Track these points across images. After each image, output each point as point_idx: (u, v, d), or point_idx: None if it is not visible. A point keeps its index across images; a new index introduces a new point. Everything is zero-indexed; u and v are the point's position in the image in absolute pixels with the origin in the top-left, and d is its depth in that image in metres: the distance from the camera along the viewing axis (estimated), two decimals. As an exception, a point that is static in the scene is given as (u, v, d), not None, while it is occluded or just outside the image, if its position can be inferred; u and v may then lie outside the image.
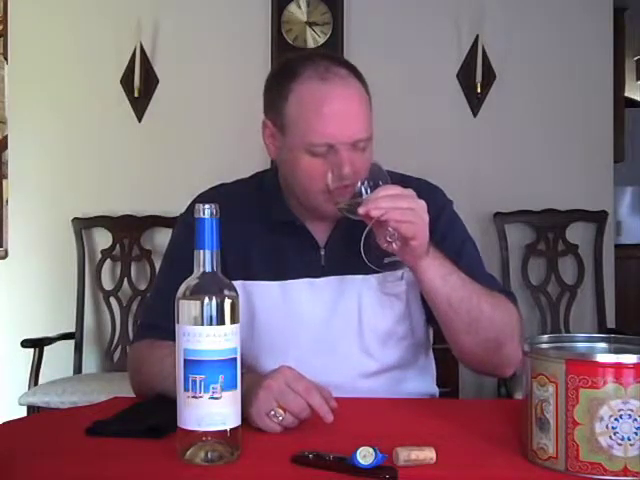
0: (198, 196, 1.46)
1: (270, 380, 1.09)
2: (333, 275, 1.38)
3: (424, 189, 1.46)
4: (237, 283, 1.32)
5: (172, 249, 1.47)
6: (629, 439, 0.86)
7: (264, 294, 1.38)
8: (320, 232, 1.40)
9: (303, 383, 1.09)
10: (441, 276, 1.25)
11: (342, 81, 1.30)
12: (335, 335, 1.37)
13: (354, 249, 1.36)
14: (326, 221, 1.40)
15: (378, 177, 1.24)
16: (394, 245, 1.20)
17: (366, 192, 1.22)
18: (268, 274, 1.38)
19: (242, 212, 1.42)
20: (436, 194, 1.48)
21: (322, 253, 1.39)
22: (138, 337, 1.41)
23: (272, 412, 1.07)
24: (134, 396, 1.34)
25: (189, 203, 1.44)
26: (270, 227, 1.40)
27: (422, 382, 1.47)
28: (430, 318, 1.42)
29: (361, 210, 1.18)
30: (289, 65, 1.34)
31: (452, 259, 1.31)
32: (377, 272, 1.33)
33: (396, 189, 1.21)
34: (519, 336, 1.32)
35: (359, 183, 1.23)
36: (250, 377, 1.12)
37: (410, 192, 1.22)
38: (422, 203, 1.21)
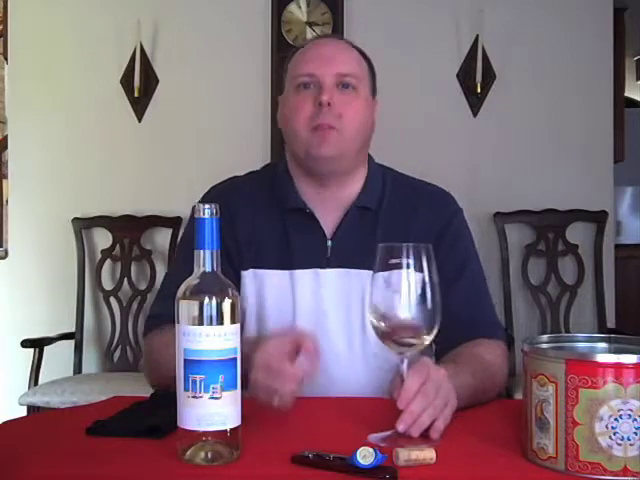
0: (210, 189, 1.48)
1: (252, 374, 1.08)
2: (339, 267, 1.39)
3: (436, 194, 1.48)
4: (249, 271, 1.39)
5: (182, 243, 1.50)
6: (629, 439, 0.86)
7: (273, 283, 1.39)
8: (329, 223, 1.41)
9: (275, 369, 1.07)
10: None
11: (333, 36, 1.48)
12: (339, 328, 1.38)
13: (361, 242, 1.37)
14: (334, 209, 1.41)
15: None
16: None
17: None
18: (277, 263, 1.39)
19: (254, 202, 1.43)
20: (448, 200, 1.48)
21: (329, 244, 1.40)
22: (148, 329, 1.42)
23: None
24: (134, 396, 1.34)
25: (202, 195, 1.47)
26: (281, 216, 1.42)
27: None
28: None
29: (401, 428, 1.02)
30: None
31: (453, 275, 1.34)
32: None
33: (429, 387, 1.05)
34: (506, 374, 1.37)
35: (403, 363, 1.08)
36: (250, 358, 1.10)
37: (442, 374, 1.09)
38: (452, 389, 1.09)
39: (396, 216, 1.41)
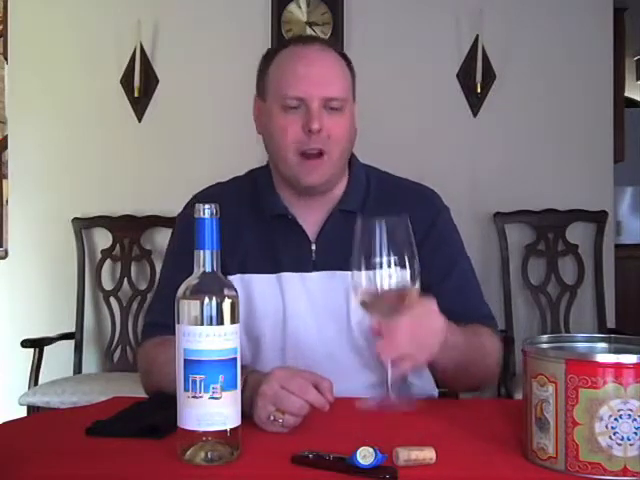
0: (193, 196, 1.48)
1: (264, 386, 1.09)
2: (324, 270, 1.39)
3: (420, 194, 1.47)
4: (235, 276, 1.37)
5: (171, 249, 1.49)
6: (629, 439, 0.86)
7: (261, 286, 1.39)
8: (312, 226, 1.41)
9: (297, 381, 1.09)
10: (441, 351, 1.19)
11: (320, 47, 1.39)
12: (327, 328, 1.38)
13: (345, 244, 1.36)
14: (317, 212, 1.41)
15: (402, 248, 1.09)
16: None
17: (388, 265, 1.09)
18: (264, 267, 1.40)
19: (238, 209, 1.43)
20: (433, 199, 1.48)
21: (313, 248, 1.40)
22: (145, 337, 1.42)
23: (271, 417, 1.07)
24: (134, 396, 1.34)
25: (186, 203, 1.47)
26: (264, 222, 1.42)
27: (422, 379, 1.47)
28: None
29: (379, 347, 1.09)
30: (277, 43, 1.41)
31: (441, 274, 1.35)
32: None
33: (417, 309, 1.10)
34: (498, 364, 1.38)
35: (384, 258, 1.09)
36: (253, 379, 1.13)
37: (430, 307, 1.13)
38: (440, 321, 1.14)
39: (380, 216, 1.41)
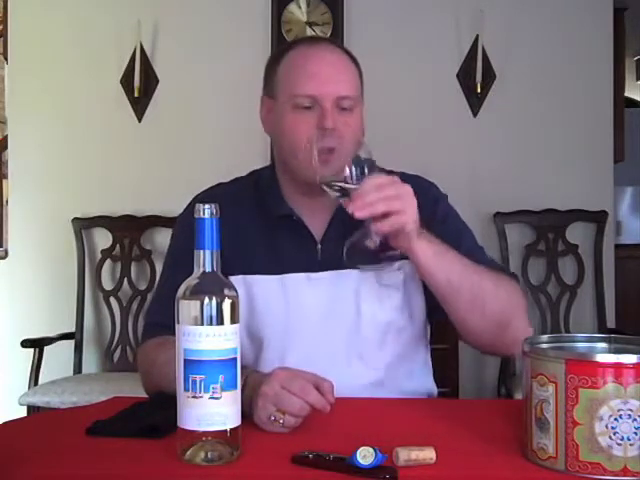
0: (195, 197, 1.48)
1: (265, 386, 1.09)
2: (330, 270, 1.39)
3: (418, 185, 1.46)
4: (238, 277, 1.36)
5: (172, 249, 1.49)
6: (629, 439, 0.87)
7: (264, 287, 1.39)
8: (317, 227, 1.41)
9: (298, 382, 1.09)
10: (435, 254, 1.24)
11: (329, 46, 1.40)
12: (332, 328, 1.38)
13: None
14: (322, 212, 1.41)
15: (364, 163, 1.21)
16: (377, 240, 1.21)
17: (351, 176, 1.19)
18: (268, 268, 1.39)
19: (240, 210, 1.43)
20: (430, 189, 1.49)
21: (319, 248, 1.40)
22: (145, 337, 1.42)
23: (272, 417, 1.07)
24: (134, 396, 1.34)
25: (187, 203, 1.46)
26: (268, 223, 1.42)
27: (423, 377, 1.47)
28: (430, 311, 1.43)
29: (350, 208, 1.17)
30: (286, 43, 1.45)
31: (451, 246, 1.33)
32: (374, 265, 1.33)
33: (380, 177, 1.20)
34: (525, 314, 1.34)
35: (347, 168, 1.20)
36: (253, 380, 1.13)
37: (394, 178, 1.21)
38: (408, 187, 1.21)
39: None
